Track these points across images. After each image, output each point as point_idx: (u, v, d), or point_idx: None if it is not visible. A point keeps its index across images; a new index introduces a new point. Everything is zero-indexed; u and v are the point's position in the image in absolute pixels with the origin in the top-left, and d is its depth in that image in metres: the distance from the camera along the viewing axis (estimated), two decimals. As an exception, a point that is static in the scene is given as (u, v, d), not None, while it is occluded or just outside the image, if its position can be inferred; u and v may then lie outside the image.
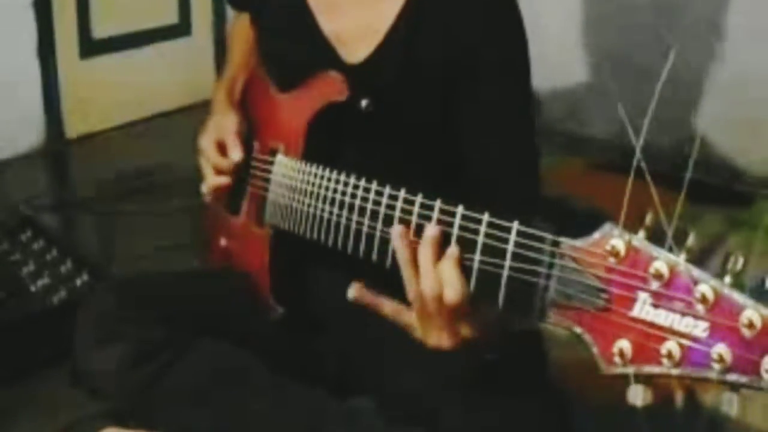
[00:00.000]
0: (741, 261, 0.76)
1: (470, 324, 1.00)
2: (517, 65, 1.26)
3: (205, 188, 1.44)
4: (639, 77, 2.54)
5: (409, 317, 1.04)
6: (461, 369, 1.16)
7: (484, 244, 0.95)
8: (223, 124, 1.41)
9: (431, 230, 0.99)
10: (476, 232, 0.96)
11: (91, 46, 3.15)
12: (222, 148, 1.40)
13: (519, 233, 0.92)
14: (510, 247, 0.92)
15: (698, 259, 0.78)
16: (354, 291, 1.07)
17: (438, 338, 1.02)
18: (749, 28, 2.74)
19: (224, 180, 1.40)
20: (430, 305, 0.99)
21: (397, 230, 1.02)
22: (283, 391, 1.26)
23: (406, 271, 1.01)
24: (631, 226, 0.82)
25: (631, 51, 2.91)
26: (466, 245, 0.97)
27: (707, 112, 2.82)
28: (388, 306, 1.06)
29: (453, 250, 0.98)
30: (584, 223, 0.87)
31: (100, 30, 3.16)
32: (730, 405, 0.75)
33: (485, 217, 0.96)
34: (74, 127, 3.12)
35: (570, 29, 3.11)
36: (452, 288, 0.97)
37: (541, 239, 0.89)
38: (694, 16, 2.82)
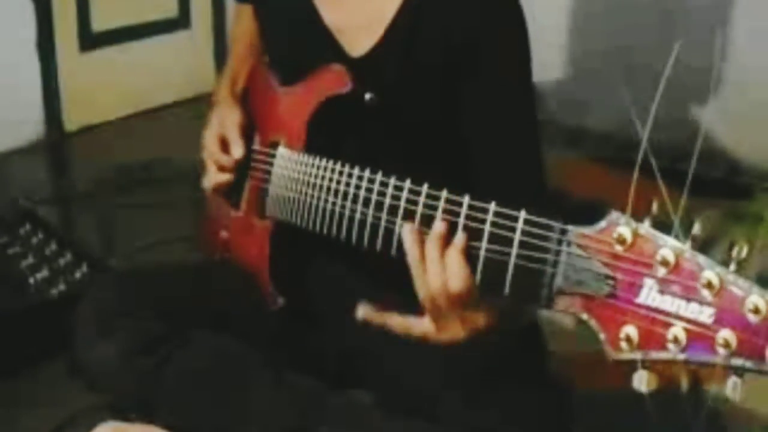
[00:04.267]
0: (745, 249, 0.77)
1: (480, 312, 1.00)
2: (518, 54, 1.26)
3: (206, 183, 1.44)
4: (639, 70, 2.54)
5: (421, 326, 1.05)
6: (462, 360, 1.16)
7: (491, 233, 0.96)
8: (225, 119, 1.41)
9: (438, 226, 1.00)
10: (483, 221, 0.97)
11: (90, 39, 3.15)
12: (224, 144, 1.40)
13: (526, 222, 0.93)
14: (517, 236, 0.93)
15: (700, 250, 0.79)
16: (362, 311, 1.08)
17: (453, 333, 1.03)
18: (751, 20, 2.75)
19: (226, 177, 1.40)
20: (439, 299, 1.00)
21: (407, 228, 1.02)
22: (283, 382, 1.25)
23: (416, 270, 1.01)
24: (635, 218, 0.83)
25: (631, 43, 2.92)
26: (473, 234, 0.98)
27: (707, 105, 2.82)
28: (397, 321, 1.07)
29: (459, 239, 0.98)
30: (584, 216, 0.87)
31: (100, 23, 3.16)
32: (735, 389, 0.76)
33: (492, 206, 0.96)
34: (74, 119, 3.12)
35: (570, 22, 3.12)
36: (456, 277, 0.98)
37: (548, 227, 0.90)
38: (695, 8, 2.83)
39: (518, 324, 1.13)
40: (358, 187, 1.13)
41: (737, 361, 0.75)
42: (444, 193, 1.01)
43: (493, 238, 0.96)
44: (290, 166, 1.28)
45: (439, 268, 0.99)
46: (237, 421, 1.24)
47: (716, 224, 2.23)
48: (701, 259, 0.78)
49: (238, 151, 1.37)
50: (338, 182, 1.17)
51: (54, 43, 3.02)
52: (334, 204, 1.17)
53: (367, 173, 1.13)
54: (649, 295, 0.80)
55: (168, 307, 1.30)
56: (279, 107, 1.37)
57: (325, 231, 1.19)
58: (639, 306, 0.81)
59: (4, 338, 1.77)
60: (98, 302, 1.33)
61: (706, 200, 2.29)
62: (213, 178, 1.41)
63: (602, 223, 0.85)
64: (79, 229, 2.53)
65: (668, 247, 0.79)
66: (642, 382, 0.81)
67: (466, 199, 0.99)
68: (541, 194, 1.24)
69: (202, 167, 1.45)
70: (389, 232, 1.07)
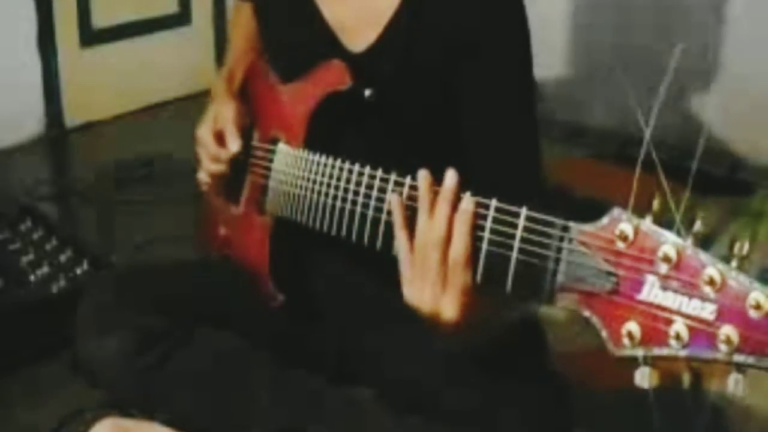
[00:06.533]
0: (747, 245, 0.77)
1: (474, 302, 1.00)
2: (518, 49, 1.26)
3: (201, 176, 1.44)
4: (639, 67, 2.54)
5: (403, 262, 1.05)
6: (462, 357, 1.16)
7: (493, 230, 0.96)
8: (222, 114, 1.40)
9: (451, 179, 1.01)
10: (484, 218, 0.97)
11: (91, 35, 3.16)
12: (220, 138, 1.39)
13: (528, 218, 0.93)
14: (519, 232, 0.93)
15: (702, 246, 0.79)
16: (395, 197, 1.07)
17: (433, 301, 1.02)
18: (752, 17, 2.74)
19: (220, 168, 1.40)
20: (431, 256, 1.00)
21: (422, 174, 1.03)
22: (284, 378, 1.25)
23: (421, 218, 1.02)
24: (637, 214, 0.83)
25: (631, 40, 2.92)
26: (475, 230, 0.98)
27: (709, 102, 2.83)
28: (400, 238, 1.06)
29: (467, 204, 0.99)
30: (586, 213, 0.87)
31: (100, 19, 3.17)
32: (737, 386, 0.76)
33: (493, 202, 0.96)
34: (74, 116, 3.12)
35: (570, 17, 3.12)
36: (459, 241, 0.98)
37: (550, 224, 0.90)
38: (696, 5, 2.83)
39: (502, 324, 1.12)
40: (358, 184, 1.13)
41: (739, 358, 0.75)
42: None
43: (495, 235, 0.96)
44: (290, 163, 1.28)
45: (444, 225, 0.99)
46: (237, 419, 1.24)
47: (718, 221, 2.23)
48: (703, 255, 0.78)
49: (234, 145, 1.37)
50: (338, 179, 1.17)
51: (55, 39, 3.03)
52: (334, 201, 1.17)
53: (367, 170, 1.13)
54: (651, 291, 0.80)
55: (168, 304, 1.30)
56: (279, 103, 1.36)
57: (325, 228, 1.19)
58: (641, 302, 0.81)
59: (4, 334, 1.77)
60: (98, 299, 1.33)
61: (708, 197, 2.31)
62: (207, 168, 1.41)
63: (604, 220, 0.85)
64: (79, 226, 2.53)
65: (670, 243, 0.79)
66: (644, 378, 0.81)
67: (467, 196, 0.99)
68: (539, 192, 1.24)
69: (198, 161, 1.45)
70: (390, 229, 1.07)
